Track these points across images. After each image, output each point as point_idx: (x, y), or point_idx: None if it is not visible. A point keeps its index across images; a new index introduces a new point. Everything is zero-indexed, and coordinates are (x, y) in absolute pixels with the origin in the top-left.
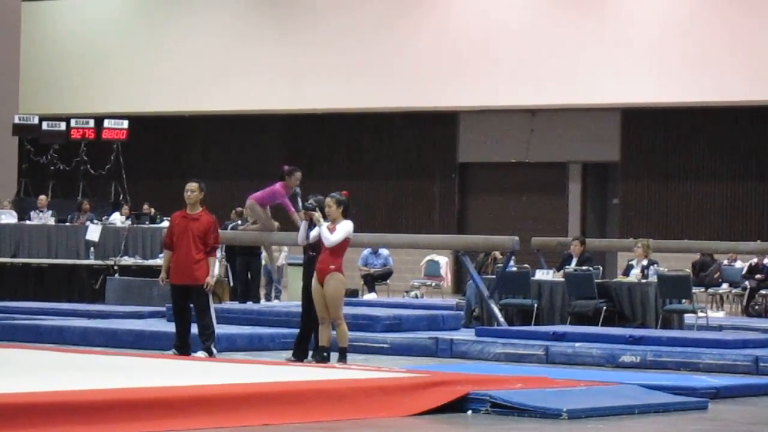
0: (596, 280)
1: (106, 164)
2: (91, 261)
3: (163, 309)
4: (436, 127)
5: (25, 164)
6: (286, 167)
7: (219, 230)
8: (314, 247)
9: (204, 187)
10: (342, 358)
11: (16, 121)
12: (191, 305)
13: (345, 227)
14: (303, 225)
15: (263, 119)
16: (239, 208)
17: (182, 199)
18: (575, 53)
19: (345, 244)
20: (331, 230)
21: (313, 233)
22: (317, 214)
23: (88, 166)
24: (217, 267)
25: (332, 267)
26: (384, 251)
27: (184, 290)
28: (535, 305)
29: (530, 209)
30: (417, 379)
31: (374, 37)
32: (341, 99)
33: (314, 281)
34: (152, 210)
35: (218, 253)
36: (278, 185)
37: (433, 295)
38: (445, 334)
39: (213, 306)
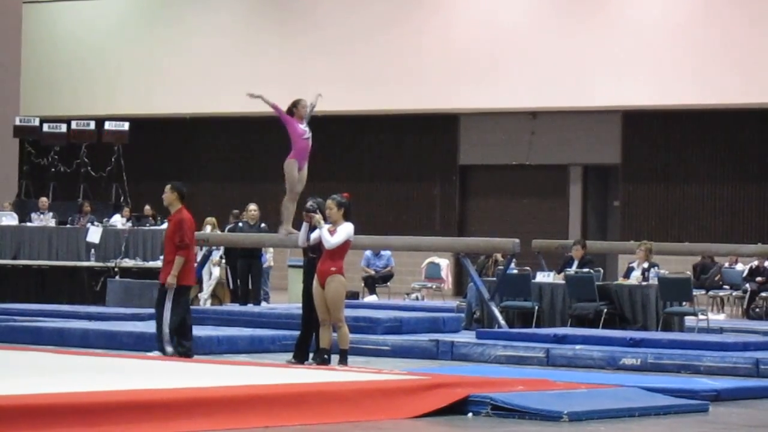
0: (597, 283)
1: (107, 166)
2: (92, 263)
3: None
4: (437, 130)
5: (26, 166)
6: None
7: (192, 229)
8: (314, 250)
9: (179, 187)
10: (343, 361)
11: (17, 122)
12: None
13: (345, 229)
14: (303, 227)
15: (264, 121)
16: (236, 210)
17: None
18: (576, 56)
19: (346, 246)
20: (332, 232)
21: (314, 235)
22: (317, 216)
23: (89, 168)
24: (217, 270)
25: (333, 269)
26: (386, 252)
27: (159, 289)
28: (536, 308)
29: (531, 211)
30: (418, 382)
31: (375, 39)
32: (342, 101)
33: (315, 283)
34: (152, 212)
35: (216, 255)
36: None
37: (434, 298)
38: (446, 336)
39: (183, 305)
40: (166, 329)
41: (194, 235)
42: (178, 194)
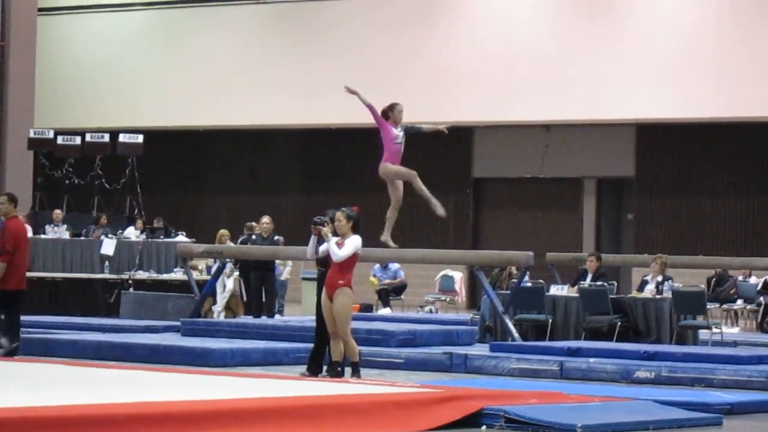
0: (611, 296)
1: (121, 178)
2: (106, 275)
3: (178, 323)
4: (450, 142)
5: (40, 178)
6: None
7: (16, 235)
8: (323, 263)
9: (12, 197)
10: (355, 373)
11: (32, 135)
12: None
13: (353, 242)
14: (312, 240)
15: (277, 134)
16: (249, 223)
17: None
18: (590, 68)
19: (353, 259)
20: (340, 245)
21: (322, 248)
22: (325, 229)
23: (103, 180)
24: (231, 283)
25: (341, 282)
26: (394, 265)
27: None
28: (550, 320)
29: (545, 224)
30: (431, 394)
31: (388, 51)
32: (355, 114)
33: (324, 296)
34: (162, 224)
35: (229, 267)
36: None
37: (448, 310)
38: (460, 349)
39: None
40: None
41: (18, 241)
42: (12, 202)
